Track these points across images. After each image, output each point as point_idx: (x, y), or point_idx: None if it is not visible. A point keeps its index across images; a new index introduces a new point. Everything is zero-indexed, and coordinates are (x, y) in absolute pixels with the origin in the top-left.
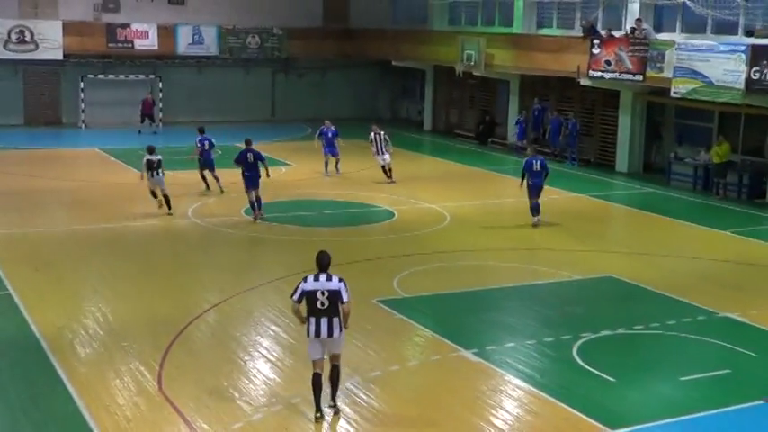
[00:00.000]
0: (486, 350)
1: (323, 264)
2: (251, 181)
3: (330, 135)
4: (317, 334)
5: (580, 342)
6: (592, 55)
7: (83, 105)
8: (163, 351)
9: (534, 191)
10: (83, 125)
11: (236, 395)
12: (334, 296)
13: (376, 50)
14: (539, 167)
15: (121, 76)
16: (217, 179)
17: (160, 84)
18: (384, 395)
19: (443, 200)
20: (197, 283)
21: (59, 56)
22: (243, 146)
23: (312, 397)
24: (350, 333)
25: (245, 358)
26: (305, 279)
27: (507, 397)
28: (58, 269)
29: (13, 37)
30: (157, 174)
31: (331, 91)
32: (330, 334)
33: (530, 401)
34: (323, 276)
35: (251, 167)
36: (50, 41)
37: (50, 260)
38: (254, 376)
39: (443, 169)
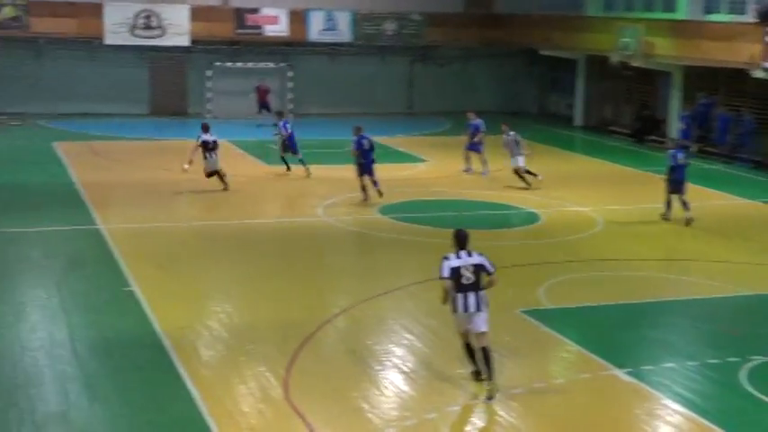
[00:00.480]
0: (642, 370)
1: (462, 241)
2: (366, 168)
3: (472, 129)
4: (466, 308)
5: (749, 366)
6: (766, 44)
7: (209, 95)
8: (290, 357)
9: (676, 185)
10: (209, 115)
11: (367, 407)
12: (479, 270)
13: (522, 38)
14: (683, 161)
15: (250, 64)
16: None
17: (290, 72)
18: (526, 415)
19: (594, 203)
20: (327, 285)
21: (186, 42)
22: (355, 134)
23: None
24: (492, 345)
25: (377, 368)
26: (447, 257)
27: (664, 423)
28: (183, 266)
29: (140, 22)
30: (212, 156)
31: (473, 82)
32: (478, 308)
33: (690, 429)
34: (463, 253)
35: (367, 154)
36: (177, 27)
37: (175, 257)
38: (386, 387)
39: (595, 169)
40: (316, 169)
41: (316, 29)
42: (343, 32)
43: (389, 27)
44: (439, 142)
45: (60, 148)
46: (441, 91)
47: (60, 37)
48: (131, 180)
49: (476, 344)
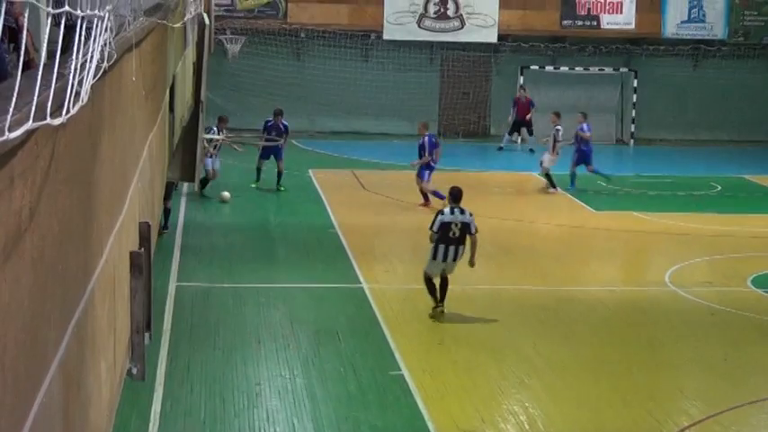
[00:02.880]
0: None
1: (458, 197)
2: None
3: None
4: (445, 258)
5: None
6: None
7: None
8: None
9: None
10: (518, 139)
11: None
12: (465, 228)
13: None
14: None
15: (578, 69)
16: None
17: (634, 81)
18: None
19: None
20: (671, 386)
21: (493, 38)
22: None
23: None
24: None
25: None
26: (442, 212)
27: None
28: (470, 346)
29: (431, 10)
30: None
31: None
32: (454, 258)
33: None
34: (457, 210)
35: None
36: (482, 17)
37: (461, 331)
38: None
39: None
40: (660, 217)
41: (674, 20)
42: (714, 25)
43: None
44: None
45: (317, 177)
46: None
47: (326, 29)
48: (408, 224)
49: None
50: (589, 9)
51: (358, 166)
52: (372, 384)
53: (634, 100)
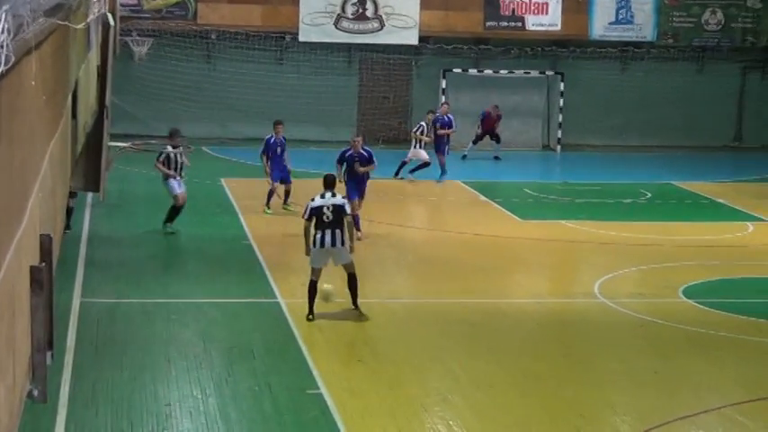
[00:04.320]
0: None
1: (328, 182)
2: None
3: None
4: (322, 244)
5: None
6: None
7: None
8: None
9: None
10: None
11: None
12: (339, 210)
13: None
14: None
15: (503, 72)
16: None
17: (561, 85)
18: None
19: None
20: (601, 401)
21: (414, 39)
22: None
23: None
24: None
25: None
26: (312, 199)
27: None
28: (392, 362)
29: (349, 10)
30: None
31: None
32: (333, 243)
33: None
34: (328, 194)
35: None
36: (402, 18)
37: (382, 347)
38: None
39: None
40: (589, 226)
41: (602, 21)
42: (643, 27)
43: (712, 19)
44: None
45: (230, 186)
46: None
47: (238, 31)
48: None
49: (345, 271)
50: (513, 10)
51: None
52: (289, 404)
53: (561, 104)
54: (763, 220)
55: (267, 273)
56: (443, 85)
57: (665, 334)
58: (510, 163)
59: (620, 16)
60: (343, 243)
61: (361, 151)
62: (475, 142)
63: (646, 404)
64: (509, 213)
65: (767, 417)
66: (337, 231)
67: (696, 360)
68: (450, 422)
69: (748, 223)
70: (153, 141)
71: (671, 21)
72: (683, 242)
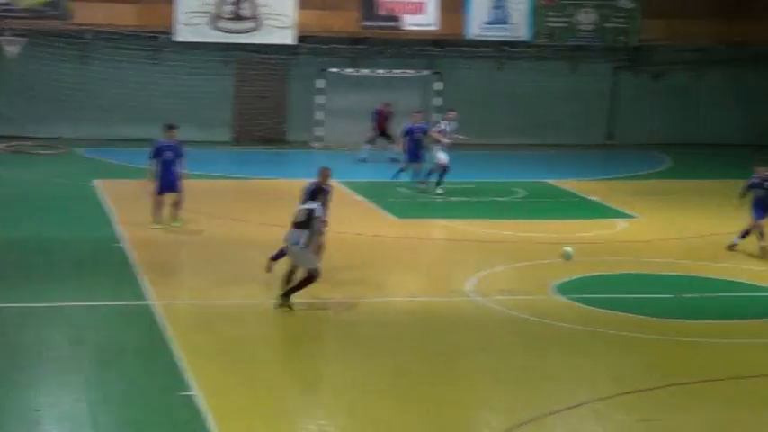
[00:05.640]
0: None
1: (314, 195)
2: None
3: None
4: (285, 240)
5: None
6: None
7: (319, 115)
8: None
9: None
10: (317, 144)
11: None
12: (309, 214)
13: None
14: None
15: (380, 72)
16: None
17: (439, 84)
18: None
19: None
20: (472, 398)
21: (290, 39)
22: None
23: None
24: None
25: None
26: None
27: None
28: (265, 364)
29: (226, 10)
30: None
31: (706, 100)
32: (293, 242)
33: None
34: (310, 200)
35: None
36: (279, 17)
37: (255, 350)
38: None
39: None
40: (465, 224)
41: (478, 21)
42: (518, 27)
43: (586, 19)
44: (653, 189)
45: (103, 187)
46: (657, 114)
47: (113, 30)
48: (201, 237)
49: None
50: (390, 9)
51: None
52: (160, 407)
53: (438, 104)
54: (633, 217)
55: (139, 275)
56: (320, 85)
57: (536, 330)
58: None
59: (496, 16)
60: (300, 244)
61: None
62: (371, 143)
63: (517, 400)
64: (385, 213)
65: (637, 410)
66: (299, 231)
67: (567, 355)
68: (322, 422)
69: (620, 220)
70: (28, 143)
71: (546, 21)
72: (556, 239)
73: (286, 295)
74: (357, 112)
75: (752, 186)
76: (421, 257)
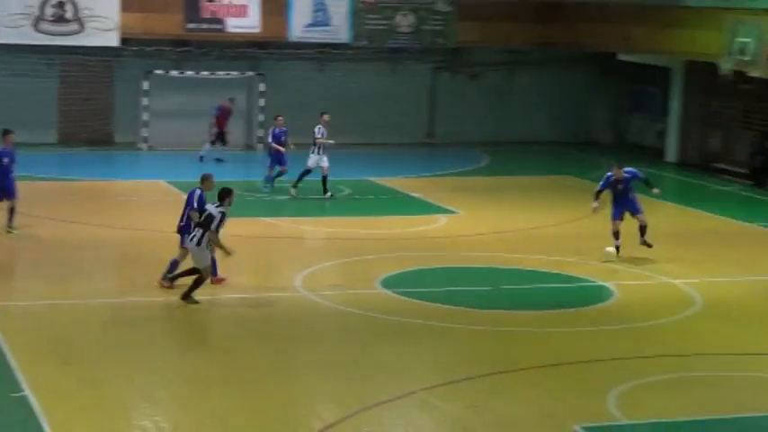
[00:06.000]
0: None
1: (221, 196)
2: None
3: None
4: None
5: None
6: None
7: (146, 116)
8: None
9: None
10: (144, 146)
11: None
12: (207, 216)
13: (593, 37)
14: None
15: (205, 73)
16: None
17: (262, 86)
18: None
19: (691, 273)
20: (303, 391)
21: (114, 41)
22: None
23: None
24: None
25: None
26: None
27: None
28: (98, 362)
29: (48, 12)
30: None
31: (521, 100)
32: (190, 240)
33: None
34: (218, 204)
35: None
36: (102, 20)
37: (86, 348)
38: None
39: (695, 225)
40: (292, 222)
41: (300, 23)
42: (339, 29)
43: (405, 21)
44: (472, 185)
45: None
46: (474, 113)
47: None
48: (32, 239)
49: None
50: (214, 12)
51: None
52: None
53: (262, 104)
54: (454, 213)
55: None
56: (146, 87)
57: (364, 324)
58: (211, 162)
59: (317, 18)
60: (194, 242)
61: None
62: (213, 143)
63: (346, 391)
64: None
65: (458, 398)
66: (198, 231)
67: (393, 347)
68: (156, 418)
69: (441, 215)
70: None
71: (365, 23)
72: (381, 235)
73: (183, 296)
74: (183, 113)
75: (606, 186)
76: (250, 255)
